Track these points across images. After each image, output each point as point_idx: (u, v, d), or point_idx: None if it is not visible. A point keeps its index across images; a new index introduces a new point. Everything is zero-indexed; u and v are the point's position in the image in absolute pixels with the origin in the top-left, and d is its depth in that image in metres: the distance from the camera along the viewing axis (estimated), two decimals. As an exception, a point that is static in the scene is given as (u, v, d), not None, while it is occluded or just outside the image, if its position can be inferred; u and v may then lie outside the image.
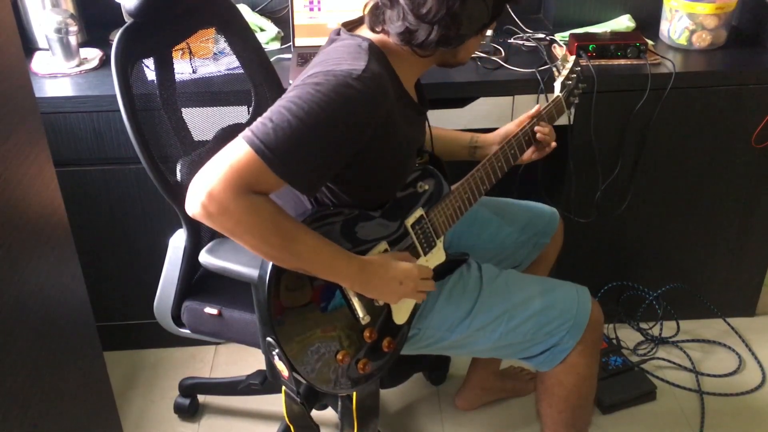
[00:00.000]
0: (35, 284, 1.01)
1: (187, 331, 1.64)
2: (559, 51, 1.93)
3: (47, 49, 1.94)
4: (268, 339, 1.26)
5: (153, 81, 1.51)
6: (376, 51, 1.24)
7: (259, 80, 1.68)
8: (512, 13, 2.16)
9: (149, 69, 1.50)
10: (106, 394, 1.28)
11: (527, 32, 2.12)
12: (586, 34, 2.05)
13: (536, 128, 1.56)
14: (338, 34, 1.33)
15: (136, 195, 1.93)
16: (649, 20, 2.15)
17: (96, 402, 1.22)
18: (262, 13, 2.23)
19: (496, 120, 1.88)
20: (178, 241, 1.55)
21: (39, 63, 1.94)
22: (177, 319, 1.63)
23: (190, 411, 2.00)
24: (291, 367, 1.27)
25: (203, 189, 1.11)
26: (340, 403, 1.55)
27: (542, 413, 1.60)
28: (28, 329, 0.98)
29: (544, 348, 1.48)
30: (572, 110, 1.90)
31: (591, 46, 1.93)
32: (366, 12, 1.29)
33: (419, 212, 1.42)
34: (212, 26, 1.62)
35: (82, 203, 1.93)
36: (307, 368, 1.29)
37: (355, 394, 1.46)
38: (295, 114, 1.12)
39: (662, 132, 1.97)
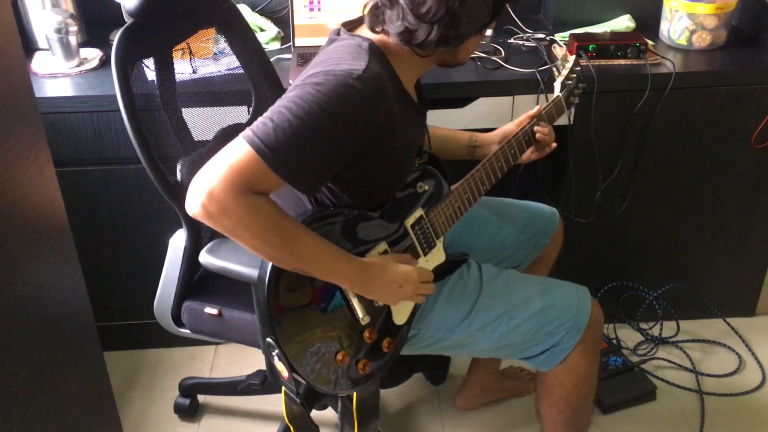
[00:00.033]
0: (35, 284, 1.01)
1: (187, 331, 1.64)
2: (559, 51, 1.93)
3: (47, 49, 1.94)
4: (268, 339, 1.26)
5: (153, 81, 1.51)
6: (376, 51, 1.24)
7: (259, 80, 1.68)
8: (512, 13, 2.16)
9: (149, 69, 1.50)
10: (106, 394, 1.28)
11: (527, 32, 2.12)
12: (586, 34, 2.05)
13: (536, 128, 1.56)
14: (338, 34, 1.33)
15: (136, 195, 1.93)
16: (649, 20, 2.15)
17: (96, 402, 1.22)
18: (262, 13, 2.23)
19: (496, 120, 1.88)
20: (178, 241, 1.55)
21: (39, 63, 1.94)
22: (177, 319, 1.63)
23: (190, 411, 2.00)
24: (291, 368, 1.27)
25: (203, 189, 1.11)
26: (340, 403, 1.55)
27: (542, 413, 1.60)
28: (28, 329, 0.98)
29: (544, 348, 1.48)
30: (572, 110, 1.90)
31: (591, 46, 1.93)
32: (366, 12, 1.29)
33: (419, 212, 1.42)
34: (212, 26, 1.62)
35: (82, 203, 1.93)
36: (306, 369, 1.29)
37: (355, 394, 1.46)
38: (296, 114, 1.12)
39: (662, 132, 1.97)
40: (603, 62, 1.93)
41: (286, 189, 1.18)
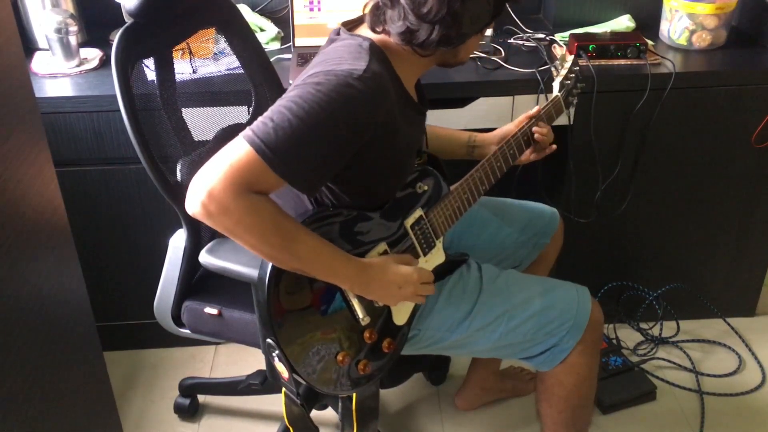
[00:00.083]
0: (35, 284, 1.01)
1: (187, 331, 1.64)
2: (559, 51, 1.93)
3: (47, 49, 1.94)
4: (269, 340, 1.26)
5: (153, 81, 1.51)
6: (376, 51, 1.24)
7: (259, 80, 1.68)
8: (512, 13, 2.16)
9: (149, 69, 1.50)
10: (106, 394, 1.28)
11: (527, 32, 2.12)
12: (586, 34, 2.05)
13: (534, 129, 1.56)
14: (338, 33, 1.32)
15: (136, 195, 1.93)
16: (649, 20, 2.15)
17: (96, 402, 1.22)
18: (262, 13, 2.23)
19: (496, 120, 1.88)
20: (178, 241, 1.55)
21: (39, 63, 1.94)
22: (177, 319, 1.63)
23: (190, 411, 2.00)
24: (291, 369, 1.27)
25: (203, 188, 1.11)
26: (340, 403, 1.55)
27: (542, 413, 1.60)
28: (28, 329, 0.98)
29: (544, 348, 1.48)
30: (572, 110, 1.90)
31: (591, 46, 1.93)
32: (366, 12, 1.29)
33: (418, 213, 1.42)
34: (212, 26, 1.62)
35: (82, 203, 1.93)
36: (307, 369, 1.29)
37: (354, 394, 1.46)
38: (296, 113, 1.12)
39: (662, 132, 1.97)
40: (603, 62, 1.93)
41: (286, 189, 1.18)
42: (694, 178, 2.06)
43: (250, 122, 1.48)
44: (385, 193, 1.37)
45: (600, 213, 2.06)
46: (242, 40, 1.65)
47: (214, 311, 1.56)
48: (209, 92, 1.68)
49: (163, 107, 1.51)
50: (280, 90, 1.69)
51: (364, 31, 1.30)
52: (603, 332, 1.59)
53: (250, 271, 1.29)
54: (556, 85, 1.64)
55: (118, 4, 1.87)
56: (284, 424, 1.54)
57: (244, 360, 2.17)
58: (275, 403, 1.95)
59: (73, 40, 1.90)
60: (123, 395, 2.07)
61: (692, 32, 2.01)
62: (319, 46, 1.37)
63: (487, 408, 2.01)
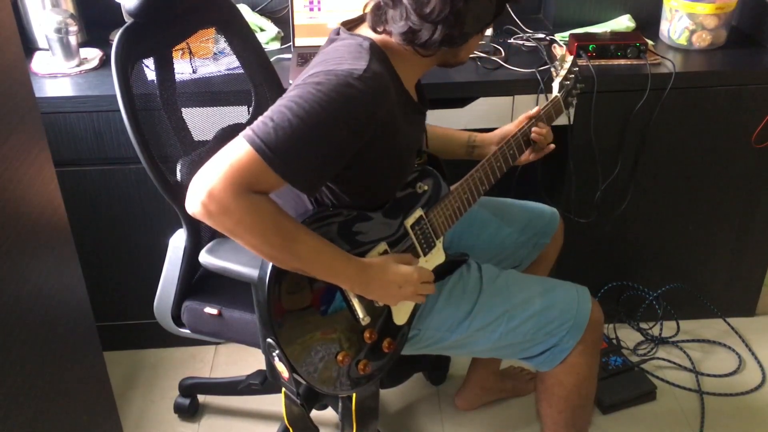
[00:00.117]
0: (35, 284, 1.01)
1: (187, 331, 1.64)
2: (559, 51, 1.93)
3: (47, 49, 1.94)
4: (269, 340, 1.26)
5: (153, 81, 1.51)
6: (377, 51, 1.24)
7: (259, 80, 1.68)
8: (512, 13, 2.16)
9: (149, 69, 1.50)
10: (106, 394, 1.28)
11: (527, 32, 2.12)
12: (586, 34, 2.05)
13: (533, 129, 1.56)
14: (338, 33, 1.32)
15: (136, 195, 1.93)
16: (649, 20, 2.15)
17: (96, 402, 1.22)
18: (262, 13, 2.23)
19: (496, 120, 1.88)
20: (178, 241, 1.55)
21: (39, 63, 1.94)
22: (177, 319, 1.63)
23: (190, 411, 2.00)
24: (291, 369, 1.27)
25: (204, 188, 1.11)
26: (340, 403, 1.55)
27: (542, 413, 1.60)
28: (28, 329, 0.98)
29: (544, 348, 1.48)
30: (571, 110, 1.90)
31: (591, 46, 1.93)
32: (367, 12, 1.29)
33: (418, 213, 1.42)
34: (212, 26, 1.62)
35: (82, 203, 1.93)
36: (307, 369, 1.29)
37: (354, 394, 1.46)
38: (296, 113, 1.12)
39: (662, 132, 1.97)
40: (603, 62, 1.93)
41: (286, 189, 1.18)
42: (694, 178, 2.06)
43: (250, 122, 1.48)
44: (386, 193, 1.37)
45: (600, 213, 2.06)
46: (242, 40, 1.65)
47: (214, 311, 1.56)
48: (209, 92, 1.68)
49: (163, 107, 1.51)
50: (280, 90, 1.69)
51: (365, 30, 1.30)
52: (603, 332, 1.59)
53: (250, 271, 1.29)
54: (555, 85, 1.64)
55: (118, 4, 1.87)
56: (284, 424, 1.53)
57: (244, 360, 2.17)
58: (275, 403, 1.95)
59: (73, 40, 1.90)
60: (123, 395, 2.07)
61: (692, 32, 2.01)
62: (319, 46, 1.37)
63: (487, 408, 2.01)
